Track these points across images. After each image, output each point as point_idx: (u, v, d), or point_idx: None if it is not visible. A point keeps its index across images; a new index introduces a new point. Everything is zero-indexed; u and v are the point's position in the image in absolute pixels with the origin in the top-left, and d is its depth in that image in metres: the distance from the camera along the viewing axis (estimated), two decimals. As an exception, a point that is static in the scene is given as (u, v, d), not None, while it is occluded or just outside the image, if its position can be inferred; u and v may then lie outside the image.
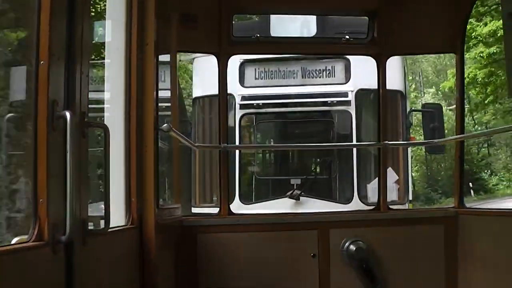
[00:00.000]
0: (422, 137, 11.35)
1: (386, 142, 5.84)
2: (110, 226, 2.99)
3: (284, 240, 5.38)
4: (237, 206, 9.46)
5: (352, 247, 5.32)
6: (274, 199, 10.06)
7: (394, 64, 9.75)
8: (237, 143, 9.80)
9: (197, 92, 10.64)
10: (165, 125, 4.16)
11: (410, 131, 11.17)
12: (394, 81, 9.94)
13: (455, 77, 6.22)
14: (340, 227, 5.43)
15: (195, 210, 9.98)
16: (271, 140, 10.72)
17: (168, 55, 5.12)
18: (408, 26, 5.75)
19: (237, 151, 9.88)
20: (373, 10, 5.82)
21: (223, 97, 5.68)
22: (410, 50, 6.47)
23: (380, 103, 5.87)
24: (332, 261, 5.36)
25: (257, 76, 9.96)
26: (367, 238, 5.37)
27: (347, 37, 6.35)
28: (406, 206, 9.82)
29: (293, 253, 5.35)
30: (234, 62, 9.55)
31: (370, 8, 5.87)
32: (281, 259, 5.33)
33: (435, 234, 5.48)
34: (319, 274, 5.35)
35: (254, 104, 9.98)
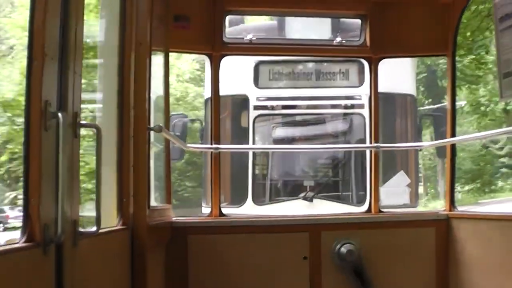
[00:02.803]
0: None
1: (378, 144, 5.85)
2: (101, 227, 2.97)
3: (275, 242, 5.36)
4: (250, 207, 9.36)
5: (343, 250, 5.31)
6: (287, 200, 9.95)
7: (405, 67, 9.74)
8: (250, 144, 9.73)
9: (209, 92, 10.54)
10: (157, 125, 4.14)
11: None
12: (405, 85, 9.94)
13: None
14: (331, 230, 5.42)
15: (205, 210, 9.85)
16: (284, 141, 10.58)
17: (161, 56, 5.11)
18: (400, 29, 5.76)
19: (250, 152, 9.81)
20: (365, 13, 5.85)
21: (215, 98, 5.67)
22: (402, 53, 6.48)
23: (371, 106, 5.89)
24: (323, 263, 5.35)
25: (271, 77, 9.80)
26: (359, 241, 5.37)
27: (339, 39, 6.35)
28: (417, 209, 9.83)
29: (284, 255, 5.34)
30: (249, 63, 9.53)
31: (362, 11, 5.89)
32: (272, 261, 5.31)
33: (426, 237, 5.49)
34: (310, 277, 5.34)
35: (268, 106, 9.89)
